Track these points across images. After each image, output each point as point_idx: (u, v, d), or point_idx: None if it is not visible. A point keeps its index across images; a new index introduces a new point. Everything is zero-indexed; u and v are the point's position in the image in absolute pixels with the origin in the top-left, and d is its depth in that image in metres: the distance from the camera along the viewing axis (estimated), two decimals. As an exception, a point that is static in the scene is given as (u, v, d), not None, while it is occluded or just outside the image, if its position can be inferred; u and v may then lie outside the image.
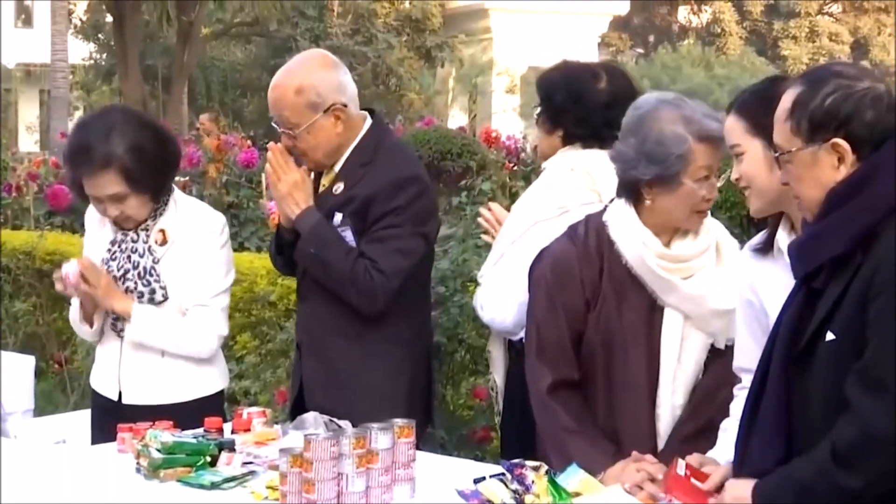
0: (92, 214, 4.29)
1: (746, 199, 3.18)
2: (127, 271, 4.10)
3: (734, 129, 3.15)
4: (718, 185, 3.50)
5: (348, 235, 3.94)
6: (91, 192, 4.05)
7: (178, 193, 4.24)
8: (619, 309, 3.54)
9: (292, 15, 32.93)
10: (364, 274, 3.88)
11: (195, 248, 4.12)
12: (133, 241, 4.13)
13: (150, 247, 4.11)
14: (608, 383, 3.55)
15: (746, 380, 3.26)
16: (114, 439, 3.76)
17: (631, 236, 3.51)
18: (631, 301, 3.52)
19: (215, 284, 4.14)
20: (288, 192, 3.96)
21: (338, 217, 3.95)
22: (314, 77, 3.94)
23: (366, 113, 4.08)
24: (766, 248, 3.16)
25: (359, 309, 3.94)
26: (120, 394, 4.15)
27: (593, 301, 3.55)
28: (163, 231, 4.13)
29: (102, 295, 4.05)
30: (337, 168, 4.03)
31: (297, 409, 4.02)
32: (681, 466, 3.09)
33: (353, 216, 3.94)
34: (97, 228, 4.26)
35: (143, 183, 4.03)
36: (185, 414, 3.91)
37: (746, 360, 3.24)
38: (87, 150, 4.01)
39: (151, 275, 4.08)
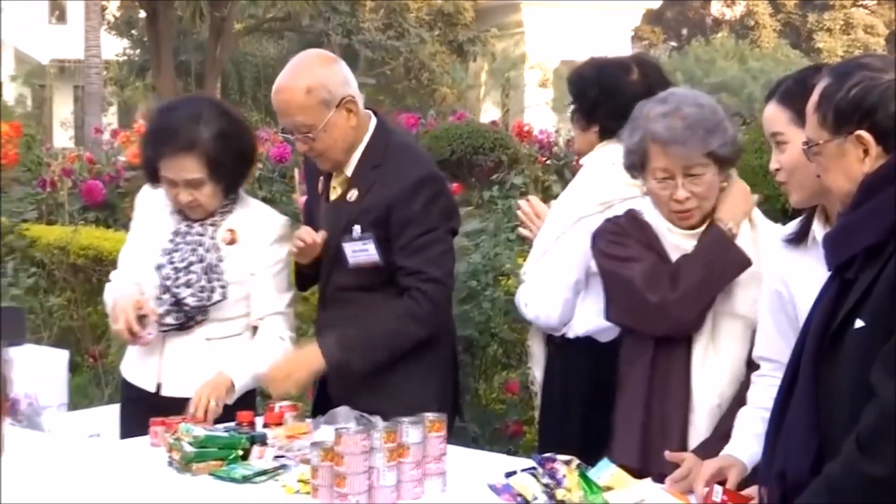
0: (150, 199, 4.24)
1: (786, 191, 3.15)
2: (190, 264, 4.06)
3: (777, 117, 3.13)
4: (696, 189, 3.47)
5: (371, 247, 3.90)
6: (168, 174, 4.02)
7: (244, 195, 4.23)
8: None
9: (324, 10, 32.95)
10: (416, 303, 3.86)
11: (265, 253, 4.10)
12: (199, 235, 4.10)
13: (216, 243, 4.09)
14: (651, 372, 3.53)
15: (765, 368, 3.26)
16: (147, 431, 3.78)
17: (659, 220, 3.54)
18: None
19: (289, 292, 4.15)
20: (299, 378, 3.90)
21: (357, 230, 3.91)
22: (319, 74, 3.89)
23: (370, 112, 4.06)
24: (800, 238, 3.13)
25: (432, 330, 3.93)
26: (158, 385, 4.12)
27: None
28: (232, 231, 4.11)
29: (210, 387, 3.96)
30: (349, 172, 3.99)
31: (318, 410, 4.00)
32: (717, 493, 3.06)
33: (374, 227, 3.90)
34: (156, 215, 4.19)
35: (222, 172, 4.01)
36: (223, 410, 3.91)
37: (767, 348, 3.24)
38: (174, 132, 4.00)
39: (214, 272, 4.05)
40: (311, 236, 3.97)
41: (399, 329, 3.90)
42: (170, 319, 4.06)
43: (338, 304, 4.05)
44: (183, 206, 4.07)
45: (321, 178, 4.09)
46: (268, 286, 4.09)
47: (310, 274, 4.11)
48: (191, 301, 4.03)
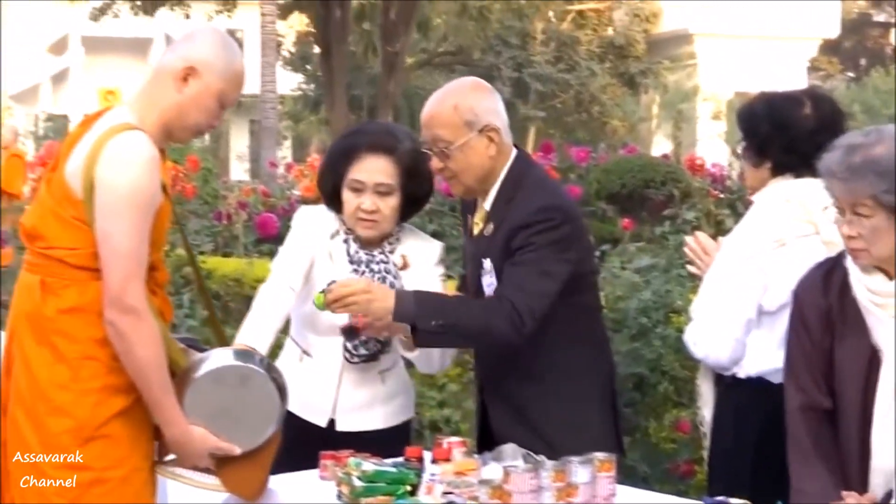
0: (311, 220, 4.23)
1: None
2: None
3: None
4: (860, 230, 3.31)
5: (493, 282, 3.91)
6: (359, 175, 4.06)
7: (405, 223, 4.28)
8: (845, 344, 3.42)
9: (495, 43, 33.12)
10: (501, 305, 3.80)
11: (426, 276, 4.15)
12: (383, 262, 4.14)
13: (397, 270, 4.14)
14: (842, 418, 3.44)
15: None
16: (311, 466, 3.81)
17: (853, 266, 3.43)
18: (858, 337, 3.41)
19: None
20: (367, 300, 3.80)
21: (487, 263, 3.93)
22: (470, 98, 3.94)
23: (514, 147, 4.04)
24: None
25: (508, 340, 3.82)
26: (331, 421, 4.15)
27: (831, 330, 3.45)
28: (404, 256, 4.17)
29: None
30: (487, 206, 3.99)
31: (481, 446, 3.98)
32: None
33: (500, 259, 3.90)
34: (319, 239, 4.18)
35: (411, 186, 4.09)
36: (382, 441, 3.95)
37: None
38: (373, 133, 4.13)
39: None
40: None
41: (483, 320, 3.82)
42: (363, 350, 4.10)
43: None
44: (363, 215, 4.08)
45: (469, 215, 4.11)
46: None
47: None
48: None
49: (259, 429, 3.50)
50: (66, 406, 3.34)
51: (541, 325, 3.83)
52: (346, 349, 4.10)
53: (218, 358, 3.51)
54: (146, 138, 3.35)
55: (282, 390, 3.53)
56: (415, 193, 4.14)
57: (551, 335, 3.88)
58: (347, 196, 4.10)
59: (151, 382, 3.32)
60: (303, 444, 3.98)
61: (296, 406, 4.09)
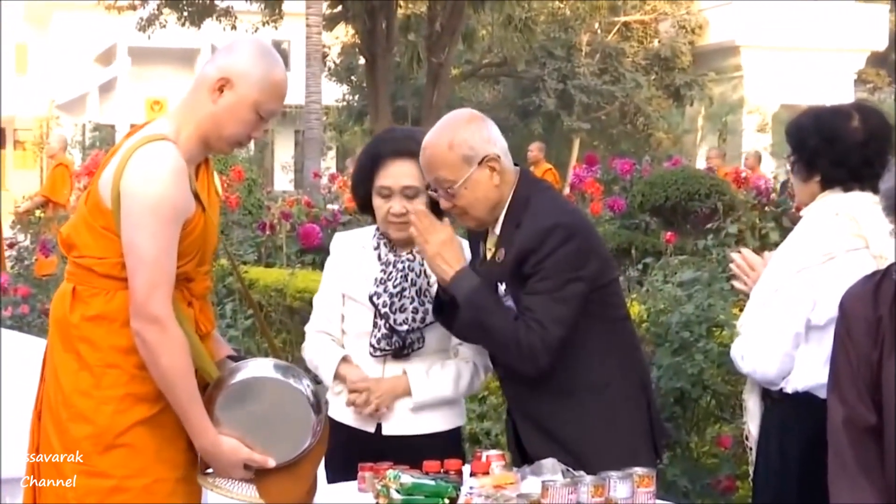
0: (346, 243, 4.37)
1: None
2: (404, 289, 4.17)
3: None
4: None
5: (511, 304, 3.89)
6: (386, 181, 4.14)
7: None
8: (894, 357, 3.37)
9: (540, 55, 33.13)
10: (526, 332, 3.80)
11: None
12: (409, 262, 4.22)
13: (424, 269, 4.19)
14: (888, 434, 3.38)
15: None
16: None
17: None
18: None
19: None
20: (437, 253, 3.91)
21: (501, 288, 3.91)
22: (463, 132, 3.90)
23: (518, 169, 4.02)
24: None
25: (522, 370, 3.85)
26: (378, 426, 4.19)
27: (880, 343, 3.40)
28: None
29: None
30: (498, 231, 3.98)
31: (517, 460, 3.96)
32: None
33: (511, 283, 3.88)
34: (355, 256, 4.31)
35: None
36: (431, 448, 3.95)
37: None
38: (394, 141, 4.20)
39: (426, 296, 4.17)
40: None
41: (508, 333, 3.82)
42: (384, 345, 4.16)
43: None
44: (393, 218, 4.16)
45: (481, 242, 4.10)
46: None
47: (448, 300, 4.09)
48: (404, 326, 4.14)
49: (294, 441, 3.49)
50: (86, 412, 3.35)
51: (564, 343, 3.83)
52: (371, 345, 4.19)
53: (255, 368, 3.51)
54: (173, 149, 3.35)
55: (317, 404, 3.53)
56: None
57: (576, 351, 3.86)
58: (378, 202, 4.19)
59: (178, 392, 3.32)
60: (356, 453, 4.02)
61: (347, 416, 4.21)
